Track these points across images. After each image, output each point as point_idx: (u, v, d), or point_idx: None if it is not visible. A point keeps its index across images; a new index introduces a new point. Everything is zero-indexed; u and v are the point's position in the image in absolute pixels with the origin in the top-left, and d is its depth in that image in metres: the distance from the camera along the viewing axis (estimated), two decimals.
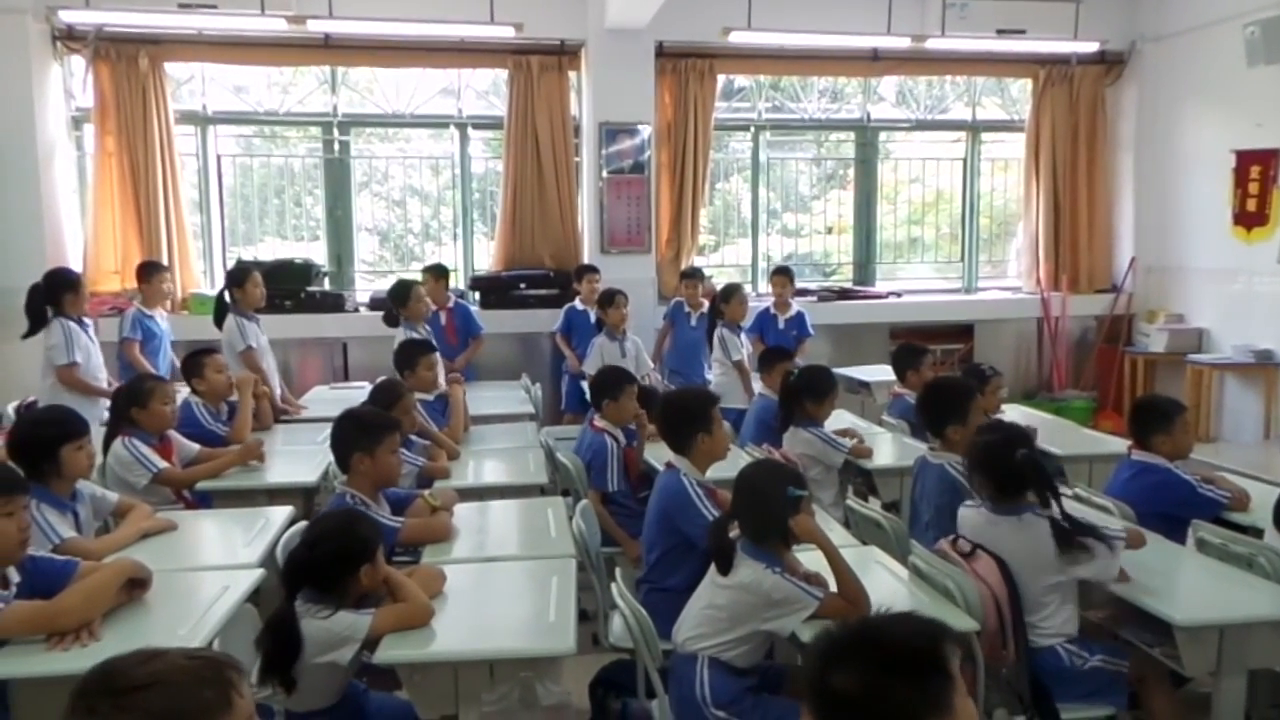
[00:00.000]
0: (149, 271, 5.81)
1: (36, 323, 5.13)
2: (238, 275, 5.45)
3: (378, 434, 3.19)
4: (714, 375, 6.37)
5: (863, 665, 1.31)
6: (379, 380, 4.67)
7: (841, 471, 4.39)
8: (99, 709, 1.26)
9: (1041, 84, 8.22)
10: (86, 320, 5.28)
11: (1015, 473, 2.84)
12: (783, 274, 6.92)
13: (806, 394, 4.38)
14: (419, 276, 6.50)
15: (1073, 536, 2.72)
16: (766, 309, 6.89)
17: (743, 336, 6.33)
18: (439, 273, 6.65)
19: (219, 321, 5.41)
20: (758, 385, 5.28)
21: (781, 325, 6.77)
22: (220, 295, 5.48)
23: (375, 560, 2.51)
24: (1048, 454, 4.06)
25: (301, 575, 2.48)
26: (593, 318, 6.69)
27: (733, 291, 6.39)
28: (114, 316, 5.94)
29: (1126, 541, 2.74)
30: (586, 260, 7.43)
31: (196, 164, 7.43)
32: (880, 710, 1.29)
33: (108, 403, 4.51)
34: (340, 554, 2.47)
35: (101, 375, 5.33)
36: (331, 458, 3.47)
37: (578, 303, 6.84)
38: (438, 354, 5.12)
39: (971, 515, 2.99)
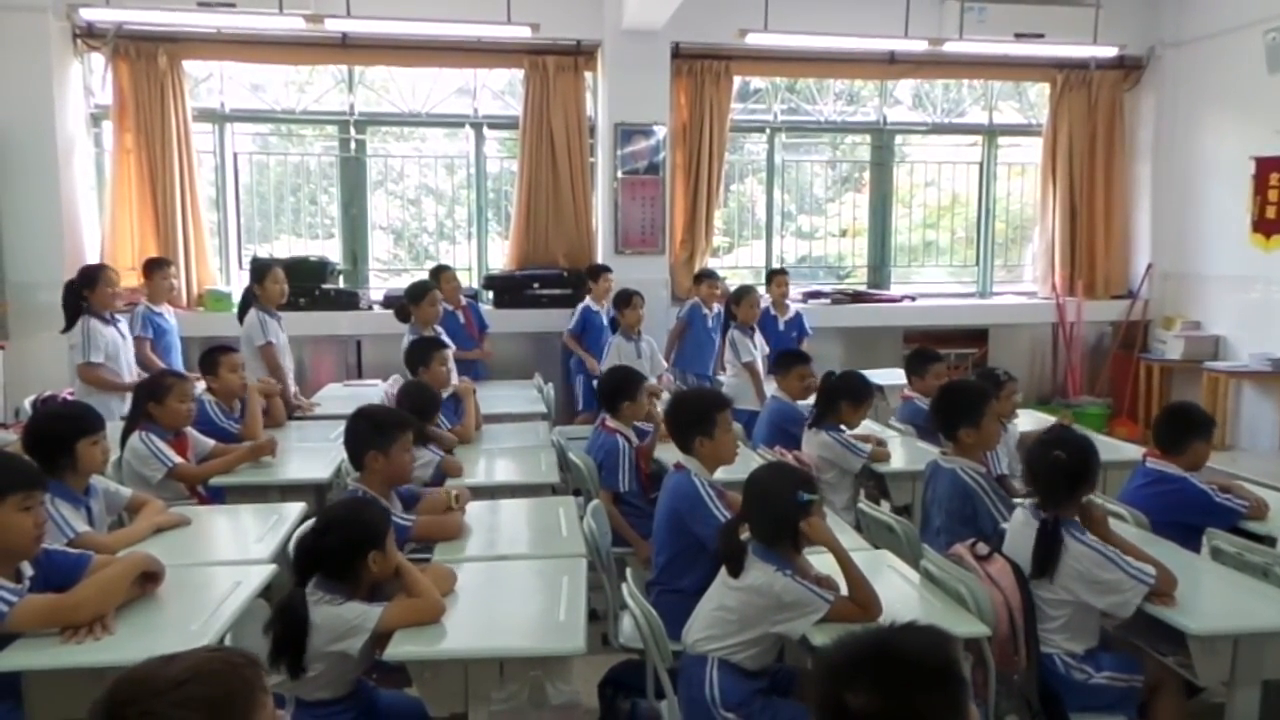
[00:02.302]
0: (153, 267, 5.81)
1: (71, 319, 5.16)
2: (259, 271, 5.46)
3: (392, 432, 3.20)
4: (726, 377, 6.36)
5: (883, 683, 1.30)
6: (409, 381, 4.65)
7: (856, 475, 4.37)
8: (156, 710, 1.24)
9: (1059, 88, 8.19)
10: (116, 315, 5.29)
11: (1041, 473, 2.84)
12: (780, 274, 6.98)
13: (845, 396, 4.36)
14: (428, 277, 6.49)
15: (1049, 549, 2.71)
16: (765, 310, 6.88)
17: (756, 338, 6.32)
18: (446, 272, 6.66)
19: (242, 316, 5.43)
20: (771, 387, 5.27)
21: (781, 326, 6.80)
22: (248, 290, 5.50)
23: (385, 547, 2.52)
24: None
25: (311, 561, 2.50)
26: (605, 318, 6.70)
27: (745, 293, 6.38)
28: (125, 313, 5.93)
29: (1154, 585, 2.68)
30: (600, 260, 7.44)
31: (213, 161, 7.47)
32: None
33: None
34: (349, 540, 2.48)
35: (133, 368, 5.32)
36: (344, 455, 3.48)
37: (591, 302, 6.84)
38: (450, 351, 5.12)
39: (1017, 514, 3.02)
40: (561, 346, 7.21)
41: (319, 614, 2.41)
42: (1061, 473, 2.81)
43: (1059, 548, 2.71)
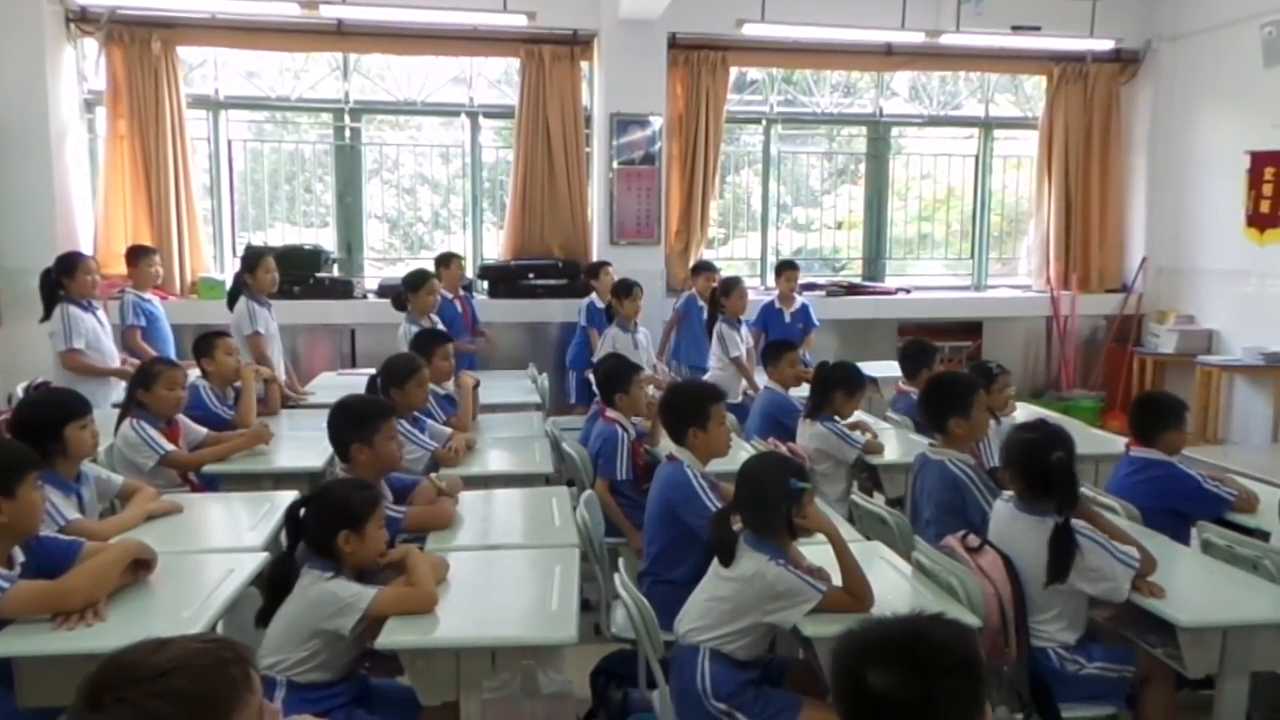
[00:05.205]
0: (138, 255, 5.78)
1: (48, 307, 5.13)
2: (250, 259, 5.45)
3: (373, 422, 3.18)
4: (711, 370, 6.27)
5: (908, 667, 1.32)
6: (390, 356, 4.58)
7: (850, 467, 4.37)
8: (131, 698, 1.23)
9: (1056, 81, 8.18)
10: (95, 303, 5.27)
11: (1045, 474, 2.80)
12: (791, 268, 6.93)
13: (840, 385, 4.36)
14: (431, 265, 6.45)
15: (1066, 554, 2.69)
16: (771, 302, 6.88)
17: (743, 331, 6.25)
18: (457, 260, 6.64)
19: (232, 304, 5.41)
20: (763, 379, 5.26)
21: (788, 319, 6.76)
22: (237, 277, 5.49)
23: (362, 531, 2.54)
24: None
25: (295, 526, 2.58)
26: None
27: (733, 285, 6.31)
28: (116, 300, 5.86)
29: (1139, 568, 2.70)
30: (596, 252, 7.43)
31: (207, 149, 7.45)
32: (929, 712, 1.31)
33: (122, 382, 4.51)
34: (322, 515, 2.54)
35: (114, 356, 5.31)
36: None
37: (596, 299, 6.75)
38: (452, 346, 5.10)
39: (1000, 507, 3.01)
40: (559, 337, 7.24)
41: (313, 591, 2.44)
42: (1069, 472, 2.78)
43: (1074, 550, 2.71)
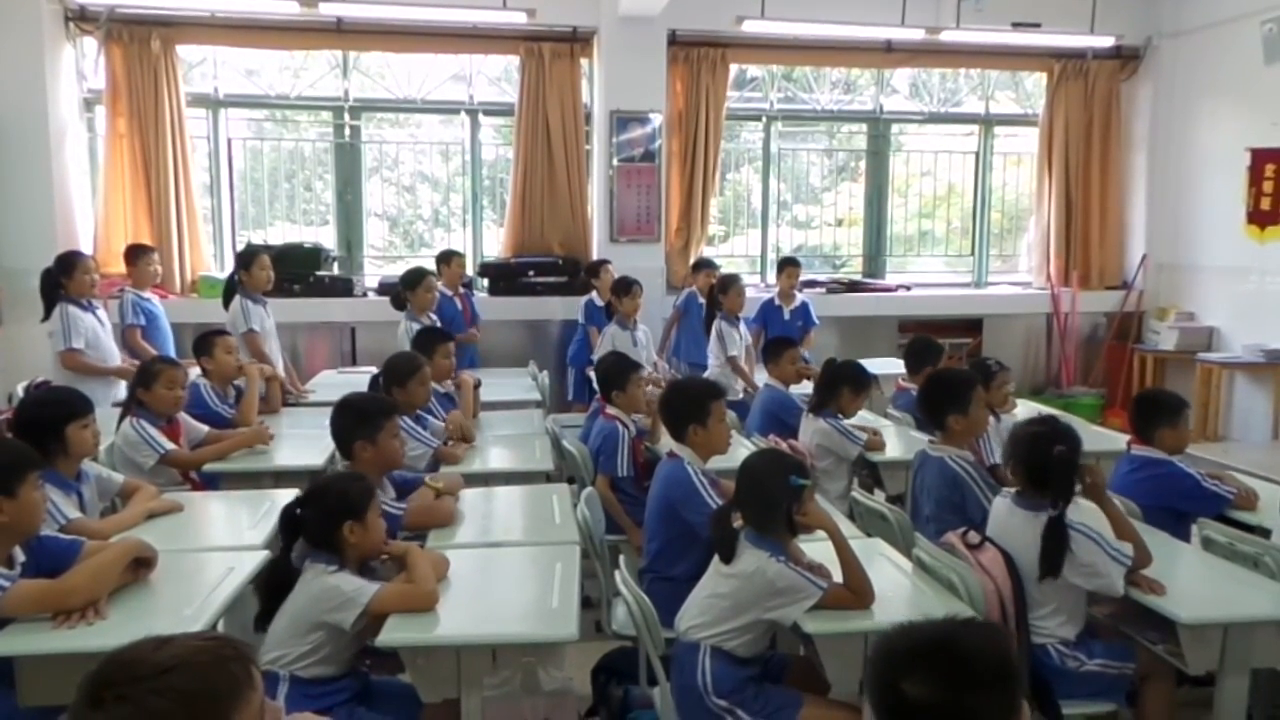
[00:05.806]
0: (136, 254, 5.77)
1: (48, 306, 5.13)
2: (245, 257, 5.45)
3: (377, 419, 3.21)
4: (710, 368, 6.24)
5: (943, 676, 1.32)
6: (392, 355, 4.58)
7: (851, 464, 4.37)
8: (132, 696, 1.23)
9: (1056, 78, 8.18)
10: (94, 302, 5.27)
11: (1045, 468, 2.80)
12: (793, 265, 6.92)
13: (847, 383, 4.36)
14: (432, 263, 6.45)
15: (1058, 549, 2.69)
16: (771, 299, 6.87)
17: (741, 328, 6.22)
18: (457, 257, 6.64)
19: (227, 303, 5.41)
20: (763, 376, 5.25)
21: (787, 316, 6.74)
22: (230, 277, 5.49)
23: (364, 520, 2.56)
24: None
25: (293, 525, 2.59)
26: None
27: (731, 282, 6.27)
28: (116, 299, 5.82)
29: (1130, 564, 2.71)
30: (596, 249, 7.42)
31: (207, 147, 7.44)
32: (966, 718, 1.31)
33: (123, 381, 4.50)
34: (324, 509, 2.55)
35: (114, 355, 5.32)
36: None
37: (596, 297, 6.76)
38: (453, 344, 5.09)
39: (999, 503, 3.01)
40: (559, 334, 7.23)
41: (315, 585, 2.45)
42: (1069, 466, 2.79)
43: (1066, 545, 2.71)
